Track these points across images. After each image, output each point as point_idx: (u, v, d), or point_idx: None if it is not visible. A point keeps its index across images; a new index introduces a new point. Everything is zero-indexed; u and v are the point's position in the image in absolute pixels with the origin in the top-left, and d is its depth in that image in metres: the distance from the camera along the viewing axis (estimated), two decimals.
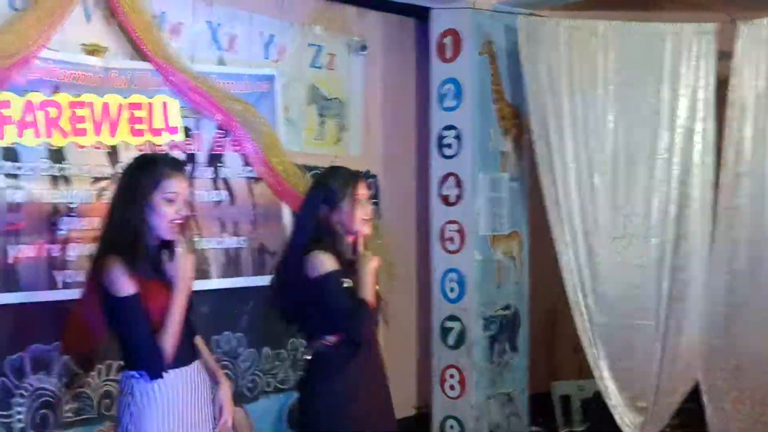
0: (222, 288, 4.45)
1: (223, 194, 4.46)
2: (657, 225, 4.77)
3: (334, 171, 3.63)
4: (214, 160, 4.42)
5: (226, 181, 4.46)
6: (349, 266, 3.42)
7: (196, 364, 3.13)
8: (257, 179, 4.56)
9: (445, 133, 5.35)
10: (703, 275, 4.68)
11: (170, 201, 3.02)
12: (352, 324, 3.34)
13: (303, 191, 4.57)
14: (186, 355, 3.08)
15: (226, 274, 4.46)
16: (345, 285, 3.35)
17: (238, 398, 4.52)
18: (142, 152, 3.39)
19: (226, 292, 4.46)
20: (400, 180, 5.63)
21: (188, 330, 3.12)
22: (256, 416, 4.65)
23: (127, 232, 2.99)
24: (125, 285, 2.92)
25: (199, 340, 3.26)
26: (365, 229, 3.46)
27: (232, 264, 4.48)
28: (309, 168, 4.95)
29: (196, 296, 4.09)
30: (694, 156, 4.74)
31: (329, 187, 3.47)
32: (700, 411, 4.76)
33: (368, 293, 3.34)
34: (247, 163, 4.51)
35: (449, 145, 5.33)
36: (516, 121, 5.45)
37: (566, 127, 4.92)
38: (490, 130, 5.35)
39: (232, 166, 4.49)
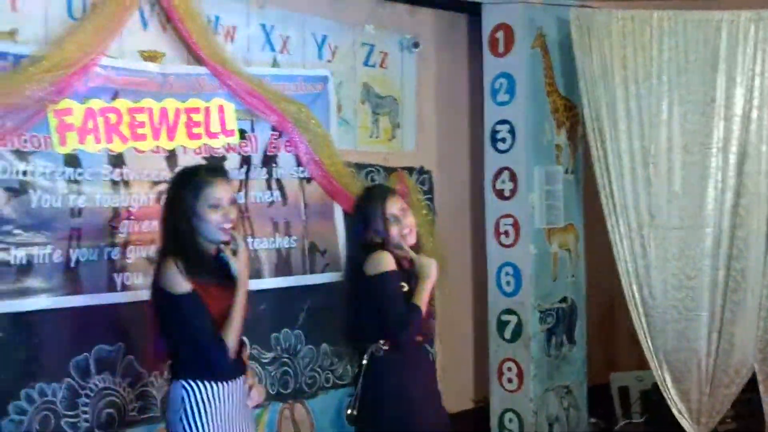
0: (277, 287, 4.52)
1: (276, 194, 4.53)
2: (712, 215, 4.72)
3: (367, 192, 3.74)
4: (269, 161, 4.50)
5: (279, 181, 4.53)
6: (407, 272, 3.51)
7: (242, 379, 3.22)
8: (309, 179, 4.64)
9: (499, 127, 5.36)
10: (759, 265, 4.62)
11: (215, 207, 3.12)
12: (399, 328, 3.41)
13: (354, 190, 4.67)
14: (236, 367, 3.18)
15: (278, 273, 4.52)
16: (402, 288, 3.41)
17: (299, 394, 4.62)
18: (185, 166, 3.49)
19: (282, 291, 4.54)
20: (455, 175, 5.66)
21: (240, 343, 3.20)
22: (316, 412, 4.72)
23: (180, 242, 3.11)
24: (182, 283, 3.02)
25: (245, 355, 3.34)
26: (409, 240, 3.53)
27: (283, 263, 4.54)
28: (363, 166, 5.03)
29: (251, 296, 4.24)
30: (751, 145, 4.67)
31: (363, 211, 3.59)
32: (757, 401, 4.70)
33: (423, 300, 3.41)
34: (299, 164, 4.58)
35: (503, 140, 5.34)
36: (570, 113, 5.44)
37: (620, 118, 4.90)
38: (543, 124, 5.36)
39: (286, 167, 4.56)
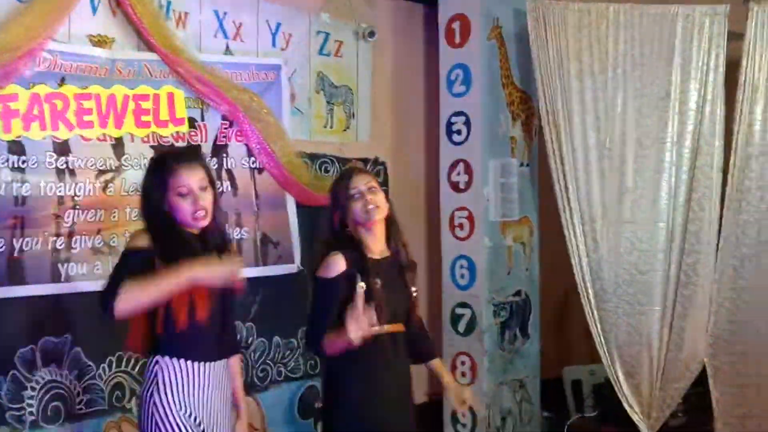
0: None
1: (227, 185, 4.47)
2: (665, 209, 4.72)
3: (339, 174, 3.69)
4: (219, 150, 4.43)
5: (229, 171, 4.47)
6: (377, 265, 3.39)
7: (223, 363, 3.15)
8: (261, 170, 4.57)
9: (455, 119, 5.32)
10: (710, 260, 4.64)
11: (183, 195, 3.03)
12: (310, 343, 3.37)
13: (306, 181, 4.61)
14: (218, 349, 3.12)
15: None
16: (359, 286, 3.33)
17: (250, 388, 4.56)
18: (156, 153, 3.37)
19: None
20: (410, 166, 5.63)
21: (223, 326, 3.14)
22: (268, 405, 4.67)
23: (159, 232, 3.02)
24: None
25: (235, 362, 3.28)
26: (375, 217, 3.41)
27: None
28: (318, 156, 4.97)
29: None
30: (704, 139, 4.68)
31: (332, 191, 3.52)
32: (707, 396, 4.73)
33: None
34: (251, 154, 4.51)
35: (458, 131, 5.31)
36: (525, 106, 5.43)
37: (575, 112, 4.88)
38: (499, 116, 5.33)
39: (236, 157, 4.50)
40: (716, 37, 4.69)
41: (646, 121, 4.76)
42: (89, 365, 4.02)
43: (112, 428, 4.10)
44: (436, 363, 3.77)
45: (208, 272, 2.95)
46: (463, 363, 5.26)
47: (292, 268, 4.70)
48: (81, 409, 4.00)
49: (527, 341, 5.48)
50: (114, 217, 4.06)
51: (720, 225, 4.66)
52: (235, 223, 4.49)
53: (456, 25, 5.29)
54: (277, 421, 4.74)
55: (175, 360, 3.02)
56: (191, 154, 3.26)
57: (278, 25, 4.82)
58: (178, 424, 2.98)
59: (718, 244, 4.66)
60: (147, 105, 4.18)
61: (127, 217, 4.10)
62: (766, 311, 4.53)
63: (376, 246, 3.46)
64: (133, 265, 2.94)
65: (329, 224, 3.50)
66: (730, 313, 4.66)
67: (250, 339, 4.60)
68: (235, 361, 3.30)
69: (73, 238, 3.92)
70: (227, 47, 4.59)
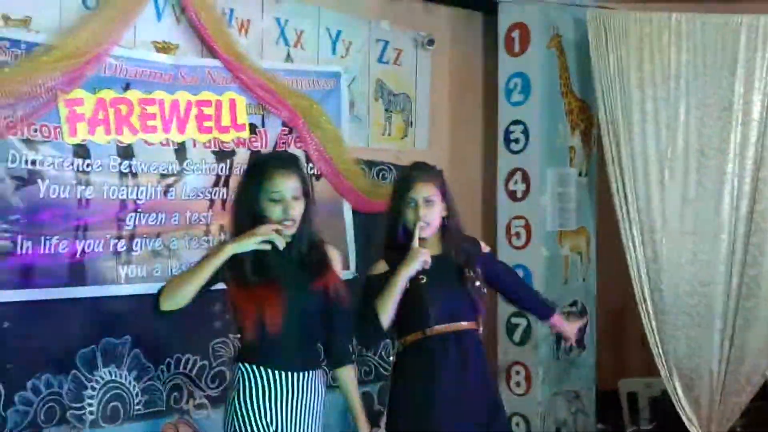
0: None
1: None
2: (727, 220, 4.66)
3: (402, 174, 3.68)
4: None
5: None
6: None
7: (315, 374, 3.11)
8: (319, 176, 4.60)
9: (513, 127, 5.31)
10: None
11: (275, 201, 3.00)
12: (358, 336, 3.45)
13: (363, 188, 4.62)
14: (299, 359, 3.07)
15: None
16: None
17: None
18: (256, 155, 3.42)
19: None
20: (467, 175, 5.61)
21: (309, 336, 3.10)
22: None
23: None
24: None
25: (349, 372, 3.25)
26: (420, 235, 3.39)
27: None
28: (375, 163, 4.99)
29: None
30: (767, 150, 4.61)
31: (393, 191, 3.54)
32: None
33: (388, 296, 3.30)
34: (309, 160, 4.54)
35: (516, 140, 5.29)
36: (584, 115, 5.39)
37: (635, 122, 4.84)
38: (558, 125, 5.30)
39: None
40: None
41: (708, 132, 4.70)
42: (148, 366, 4.07)
43: (169, 429, 4.15)
44: (555, 320, 3.73)
45: (242, 244, 2.93)
46: (518, 373, 5.24)
47: (347, 274, 4.71)
48: (139, 409, 4.04)
49: (583, 352, 5.43)
50: (174, 220, 4.12)
51: None
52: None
53: (515, 34, 5.28)
54: (332, 427, 4.73)
55: (254, 367, 3.02)
56: (290, 161, 3.18)
57: (338, 32, 4.86)
58: (255, 430, 2.98)
59: None
60: (209, 111, 4.23)
61: (188, 222, 4.16)
62: None
63: (426, 245, 3.43)
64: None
65: (388, 226, 3.51)
66: None
67: None
68: (348, 372, 3.26)
69: (134, 241, 3.98)
70: (288, 54, 4.64)
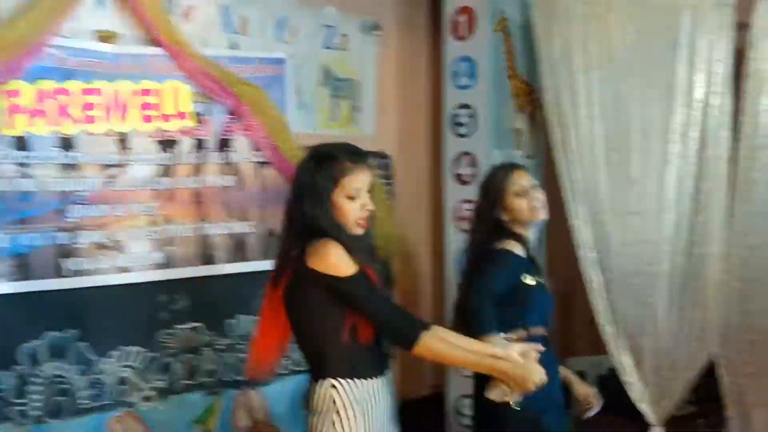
0: (233, 272, 4.45)
1: (232, 179, 4.47)
2: (672, 200, 4.69)
3: (493, 170, 3.79)
4: (224, 145, 4.43)
5: (235, 166, 4.47)
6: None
7: (388, 376, 3.01)
8: (266, 164, 4.56)
9: (460, 111, 5.32)
10: (720, 250, 4.62)
11: (352, 198, 2.88)
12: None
13: None
14: (383, 363, 2.99)
15: (234, 259, 4.46)
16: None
17: (254, 382, 4.56)
18: (319, 144, 3.04)
19: (239, 277, 4.47)
20: (414, 159, 5.62)
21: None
22: (272, 399, 4.67)
23: (324, 228, 2.84)
24: (349, 264, 2.81)
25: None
26: (541, 216, 3.56)
27: (239, 249, 4.48)
28: None
29: (204, 282, 4.17)
30: (711, 130, 4.65)
31: (488, 187, 3.68)
32: (716, 385, 4.72)
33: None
34: (256, 148, 4.51)
35: (463, 124, 5.30)
36: (531, 98, 5.41)
37: (581, 104, 4.86)
38: (505, 109, 5.32)
39: (242, 151, 4.49)
40: (723, 27, 4.65)
41: (651, 113, 4.72)
42: (93, 359, 4.02)
43: (116, 423, 4.10)
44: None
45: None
46: None
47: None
48: (85, 404, 3.99)
49: None
50: (119, 212, 4.06)
51: (728, 216, 4.63)
52: (240, 217, 4.49)
53: (462, 18, 5.28)
54: (282, 415, 4.73)
55: (348, 380, 2.87)
56: (365, 156, 3.01)
57: (284, 18, 4.81)
58: None
59: (726, 235, 4.64)
60: (152, 100, 4.17)
61: (131, 212, 4.11)
62: None
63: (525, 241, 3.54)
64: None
65: (484, 217, 3.57)
66: (738, 304, 4.62)
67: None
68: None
69: (78, 234, 3.93)
70: (232, 41, 4.59)
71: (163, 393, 4.24)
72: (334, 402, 2.86)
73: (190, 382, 4.34)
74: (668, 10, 4.72)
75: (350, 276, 2.80)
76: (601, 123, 4.84)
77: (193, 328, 4.35)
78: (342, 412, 2.85)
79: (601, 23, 4.83)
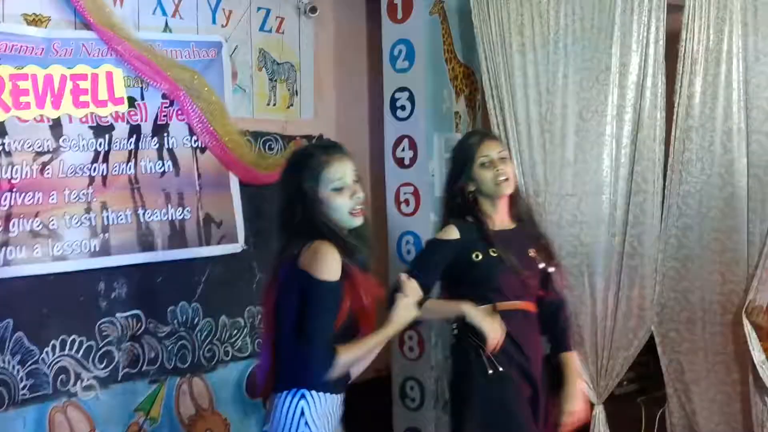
0: (172, 259, 4.41)
1: (168, 165, 4.41)
2: (607, 182, 4.75)
3: (463, 137, 3.77)
4: (160, 130, 4.37)
5: (171, 151, 4.41)
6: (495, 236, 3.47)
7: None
8: (203, 149, 4.52)
9: (398, 95, 5.31)
10: (655, 230, 4.69)
11: (338, 190, 2.87)
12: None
13: (249, 160, 4.57)
14: (347, 379, 2.99)
15: (172, 246, 4.41)
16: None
17: (197, 368, 4.54)
18: (294, 150, 3.17)
19: (178, 264, 4.43)
20: (354, 143, 5.51)
21: None
22: (216, 385, 4.65)
23: (317, 228, 2.84)
24: (334, 270, 2.79)
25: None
26: (505, 191, 3.48)
27: (177, 235, 4.44)
28: (261, 134, 4.93)
29: (145, 269, 4.12)
30: (645, 112, 4.70)
31: (456, 157, 3.60)
32: (656, 363, 4.80)
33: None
34: (192, 133, 4.46)
35: (402, 107, 5.30)
36: (469, 80, 5.43)
37: (517, 86, 4.89)
38: (443, 91, 5.32)
39: (178, 136, 4.44)
40: (656, 10, 4.69)
41: (586, 95, 4.76)
42: (32, 349, 3.96)
43: (57, 412, 4.05)
44: (567, 357, 3.71)
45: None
46: (410, 338, 5.28)
47: (236, 247, 4.67)
48: (25, 394, 3.94)
49: None
50: (53, 199, 4.00)
51: (663, 196, 4.71)
52: (177, 203, 4.44)
53: (398, 0, 5.27)
54: (226, 401, 4.72)
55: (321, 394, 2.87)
56: (338, 146, 3.05)
57: (218, 1, 4.75)
58: None
59: (662, 215, 4.71)
60: (85, 85, 4.10)
61: (66, 200, 4.04)
62: (708, 279, 4.59)
63: (498, 217, 3.46)
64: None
65: (450, 192, 3.51)
66: (675, 282, 4.70)
67: (197, 319, 4.57)
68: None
69: (11, 222, 3.85)
70: (166, 24, 4.52)
71: (105, 382, 4.20)
72: (302, 413, 2.83)
73: (132, 370, 4.30)
74: None
75: (324, 280, 2.79)
76: (536, 105, 4.88)
77: (134, 316, 4.30)
78: (311, 425, 2.83)
79: (536, 6, 4.87)
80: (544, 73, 4.85)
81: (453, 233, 3.46)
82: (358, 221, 2.92)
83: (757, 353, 4.40)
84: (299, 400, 2.83)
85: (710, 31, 4.54)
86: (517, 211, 3.58)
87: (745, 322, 4.41)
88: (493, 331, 3.30)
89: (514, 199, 3.55)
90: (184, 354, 4.50)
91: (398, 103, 5.31)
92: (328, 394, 2.87)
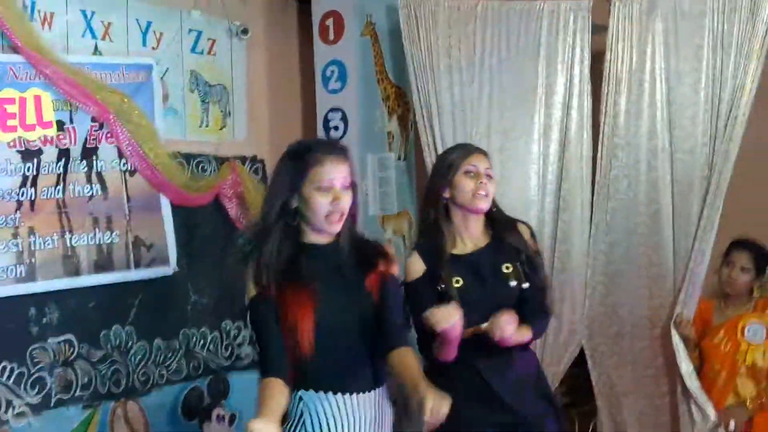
0: (106, 283, 4.37)
1: (97, 188, 4.38)
2: (535, 200, 4.83)
3: (452, 147, 3.56)
4: (89, 153, 4.34)
5: (100, 174, 4.38)
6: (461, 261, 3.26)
7: (372, 394, 2.86)
8: (133, 172, 4.50)
9: (331, 115, 5.37)
10: (584, 246, 4.78)
11: (322, 190, 2.74)
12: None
13: (181, 183, 4.56)
14: (354, 378, 2.84)
15: (100, 270, 4.36)
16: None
17: (132, 392, 4.51)
18: (299, 140, 3.02)
19: (110, 288, 4.39)
20: None
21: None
22: (150, 410, 4.61)
23: (263, 232, 2.75)
24: (252, 290, 2.74)
25: (406, 353, 2.82)
26: (481, 205, 3.28)
27: (105, 259, 4.39)
28: (194, 156, 4.92)
29: (73, 293, 4.07)
30: (571, 131, 4.81)
31: (441, 163, 3.41)
32: (587, 376, 4.89)
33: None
34: (122, 156, 4.44)
35: (336, 127, 5.35)
36: (401, 100, 5.48)
37: (445, 106, 4.94)
38: (375, 111, 5.38)
39: (107, 160, 4.41)
40: (580, 31, 4.81)
41: (512, 114, 4.85)
42: None
43: None
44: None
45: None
46: None
47: (167, 270, 4.65)
48: None
49: (409, 331, 5.52)
50: None
51: (591, 213, 4.80)
52: (106, 226, 4.40)
53: (329, 22, 5.34)
54: (161, 425, 4.69)
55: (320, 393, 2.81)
56: (341, 148, 2.89)
57: (148, 23, 4.75)
58: None
59: (590, 232, 4.80)
60: (12, 109, 4.06)
61: None
62: (636, 294, 4.70)
63: (469, 236, 3.28)
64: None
65: (431, 199, 3.31)
66: (603, 297, 4.80)
67: (130, 343, 4.54)
68: (405, 353, 2.84)
69: None
70: (96, 47, 4.50)
71: (37, 408, 4.15)
72: (302, 413, 2.81)
73: (65, 396, 4.26)
74: (527, 14, 4.87)
75: (247, 303, 2.79)
76: (462, 125, 4.94)
77: (66, 341, 4.26)
78: (308, 424, 2.80)
79: (463, 27, 4.94)
80: (469, 93, 4.91)
81: (418, 265, 3.26)
82: (334, 228, 2.80)
83: (684, 364, 4.52)
84: (297, 400, 2.83)
85: (633, 52, 4.68)
86: (494, 228, 3.38)
87: (674, 333, 4.53)
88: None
89: (492, 216, 3.37)
90: (118, 378, 4.47)
91: (331, 124, 5.36)
92: (326, 394, 2.81)
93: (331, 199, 2.75)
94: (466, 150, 3.42)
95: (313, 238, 2.85)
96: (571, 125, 4.80)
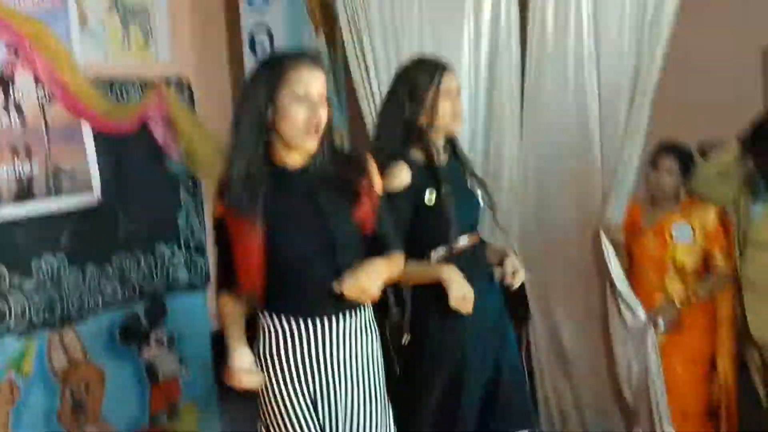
0: (28, 214, 4.27)
1: (14, 117, 4.23)
2: (467, 108, 4.82)
3: (420, 62, 3.39)
4: (5, 83, 4.22)
5: (17, 104, 4.26)
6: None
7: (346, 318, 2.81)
8: (51, 100, 4.39)
9: (257, 32, 5.25)
10: (514, 156, 4.80)
11: (300, 100, 2.59)
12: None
13: (102, 110, 4.45)
14: (313, 303, 2.79)
15: (21, 200, 4.23)
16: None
17: (67, 320, 4.48)
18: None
19: (35, 217, 4.30)
20: (214, 83, 5.51)
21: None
22: (87, 337, 4.60)
23: (233, 149, 2.65)
24: (216, 209, 2.75)
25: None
26: (459, 126, 3.38)
27: (26, 189, 4.27)
28: (116, 81, 4.80)
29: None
30: (501, 41, 4.78)
31: (412, 80, 3.28)
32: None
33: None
34: (39, 84, 4.32)
35: (261, 44, 5.25)
36: (327, 15, 5.38)
37: (375, 24, 4.84)
38: (301, 27, 5.28)
39: (24, 90, 4.27)
40: None
41: (441, 28, 4.80)
42: None
43: None
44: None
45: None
46: None
47: (91, 197, 4.57)
48: None
49: None
50: None
51: (521, 122, 4.81)
52: (25, 156, 4.27)
53: None
54: (99, 351, 4.69)
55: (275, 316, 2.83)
56: (318, 58, 2.76)
57: None
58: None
59: (520, 140, 4.82)
60: None
61: None
62: (565, 199, 4.81)
63: (437, 148, 3.28)
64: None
65: (398, 116, 3.24)
66: (534, 205, 4.88)
67: (62, 271, 4.49)
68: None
69: None
70: None
71: None
72: (270, 336, 2.84)
73: None
74: None
75: (213, 223, 2.80)
76: (394, 39, 4.85)
77: None
78: (275, 347, 2.82)
79: None
80: (398, 8, 4.82)
81: (404, 176, 3.20)
82: (309, 142, 2.67)
83: (614, 267, 4.61)
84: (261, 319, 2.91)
85: None
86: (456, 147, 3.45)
87: (603, 237, 4.60)
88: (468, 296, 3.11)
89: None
90: (52, 307, 4.43)
91: (257, 41, 5.25)
92: (285, 316, 2.82)
93: (308, 109, 2.62)
94: (440, 68, 3.32)
95: (286, 158, 2.76)
96: (500, 37, 4.76)
